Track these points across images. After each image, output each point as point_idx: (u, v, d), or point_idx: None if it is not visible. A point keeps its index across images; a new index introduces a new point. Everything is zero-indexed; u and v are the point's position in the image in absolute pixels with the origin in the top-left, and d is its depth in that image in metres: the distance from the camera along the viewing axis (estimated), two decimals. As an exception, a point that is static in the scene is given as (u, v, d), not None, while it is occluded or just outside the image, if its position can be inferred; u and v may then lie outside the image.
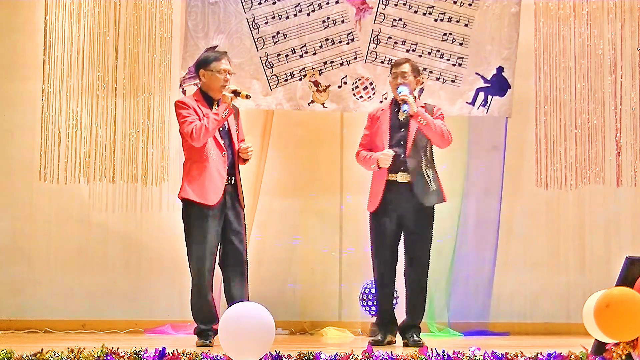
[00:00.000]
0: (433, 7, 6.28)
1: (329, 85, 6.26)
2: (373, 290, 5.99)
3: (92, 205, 6.77)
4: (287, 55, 6.24)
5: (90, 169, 6.72)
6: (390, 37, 6.28)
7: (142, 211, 6.77)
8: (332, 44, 6.26)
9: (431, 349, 3.89)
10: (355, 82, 6.27)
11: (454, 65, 6.31)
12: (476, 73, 6.31)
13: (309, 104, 6.28)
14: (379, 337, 5.35)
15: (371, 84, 6.26)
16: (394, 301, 5.77)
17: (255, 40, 6.22)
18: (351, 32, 6.27)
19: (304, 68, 6.25)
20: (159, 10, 6.75)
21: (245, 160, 5.30)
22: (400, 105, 5.31)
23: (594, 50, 6.88)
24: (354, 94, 6.27)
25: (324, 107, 6.28)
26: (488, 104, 6.32)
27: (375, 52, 6.27)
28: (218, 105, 5.19)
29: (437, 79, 6.31)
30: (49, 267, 6.73)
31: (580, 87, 6.87)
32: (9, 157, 6.79)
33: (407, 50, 6.27)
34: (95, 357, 3.74)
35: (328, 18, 6.25)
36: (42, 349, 3.75)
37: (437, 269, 6.42)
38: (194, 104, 5.20)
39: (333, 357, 3.80)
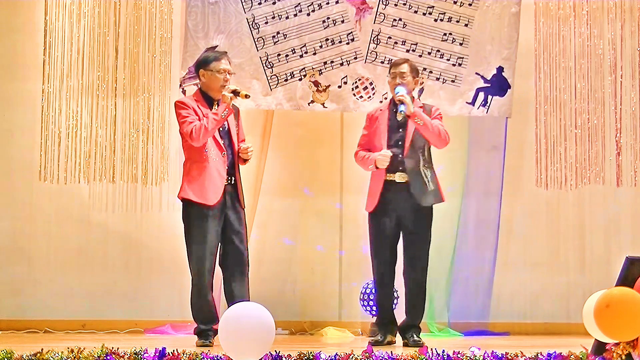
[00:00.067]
0: (433, 7, 6.28)
1: (329, 85, 6.26)
2: (373, 290, 5.98)
3: (92, 205, 6.77)
4: (287, 55, 6.24)
5: (90, 169, 6.72)
6: (390, 37, 6.28)
7: (142, 211, 6.77)
8: (332, 44, 6.26)
9: (431, 349, 3.89)
10: (355, 82, 6.27)
11: (454, 65, 6.31)
12: (476, 73, 6.31)
13: (309, 104, 6.28)
14: (379, 337, 5.36)
15: (371, 84, 6.27)
16: (394, 301, 5.78)
17: (255, 40, 6.22)
18: (351, 32, 6.27)
19: (304, 68, 6.25)
20: (159, 10, 6.75)
21: (245, 161, 5.30)
22: (397, 106, 5.31)
23: (594, 50, 6.88)
24: (354, 94, 6.27)
25: (324, 107, 6.28)
26: (488, 104, 6.32)
27: (375, 52, 6.27)
28: (218, 105, 5.19)
29: (437, 79, 6.31)
30: (49, 267, 6.73)
31: (580, 87, 6.87)
32: (9, 157, 6.79)
33: (407, 50, 6.27)
34: (95, 357, 3.74)
35: (328, 18, 6.25)
36: (42, 349, 3.75)
37: (437, 269, 6.42)
38: (193, 104, 5.20)
39: (333, 357, 3.80)
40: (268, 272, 6.65)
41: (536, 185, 6.87)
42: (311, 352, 3.81)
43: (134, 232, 6.79)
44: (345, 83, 6.27)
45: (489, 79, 6.32)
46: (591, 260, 6.89)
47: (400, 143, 5.39)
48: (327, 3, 6.25)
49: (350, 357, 3.81)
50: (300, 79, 6.25)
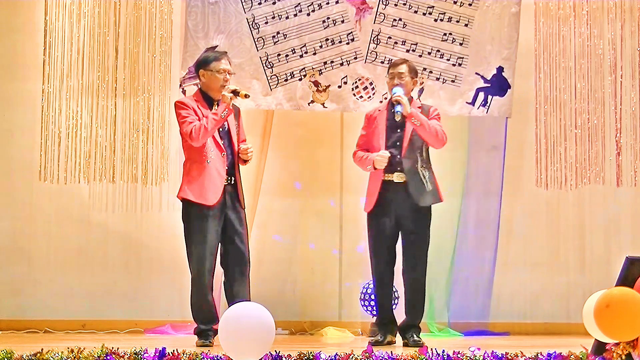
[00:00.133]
0: (433, 7, 6.28)
1: (329, 85, 6.26)
2: (373, 290, 5.99)
3: (92, 205, 6.77)
4: (287, 55, 6.24)
5: (90, 169, 6.72)
6: (390, 37, 6.28)
7: (142, 211, 6.77)
8: (332, 44, 6.26)
9: (431, 349, 3.89)
10: (355, 82, 6.27)
11: (454, 65, 6.31)
12: (476, 73, 6.32)
13: (309, 104, 6.28)
14: (379, 337, 5.36)
15: (371, 84, 6.27)
16: (394, 301, 5.79)
17: (255, 40, 6.22)
18: (351, 32, 6.27)
19: (304, 68, 6.25)
20: (159, 10, 6.75)
21: (245, 161, 5.30)
22: (394, 106, 5.31)
23: (594, 50, 6.88)
24: (354, 94, 6.27)
25: (324, 107, 6.28)
26: (488, 104, 6.33)
27: (375, 52, 6.27)
28: (218, 106, 5.19)
29: (437, 79, 6.31)
30: (49, 267, 6.73)
31: (580, 87, 6.87)
32: (9, 157, 6.79)
33: (407, 50, 6.27)
34: (95, 357, 3.74)
35: (328, 18, 6.25)
36: (42, 349, 3.75)
37: (437, 269, 6.43)
38: (193, 104, 5.20)
39: (333, 357, 3.80)
40: (268, 272, 6.65)
41: (536, 185, 6.87)
42: (311, 352, 3.81)
43: (134, 232, 6.79)
44: (345, 83, 6.27)
45: (489, 79, 6.32)
46: (591, 260, 6.89)
47: (398, 143, 5.39)
48: (327, 3, 6.25)
49: (350, 357, 3.81)
50: (300, 79, 6.25)
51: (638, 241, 6.83)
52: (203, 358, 3.74)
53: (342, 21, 6.26)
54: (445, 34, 6.29)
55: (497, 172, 6.62)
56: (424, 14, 6.29)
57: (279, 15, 6.23)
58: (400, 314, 5.49)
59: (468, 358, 3.83)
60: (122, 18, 6.74)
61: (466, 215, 6.68)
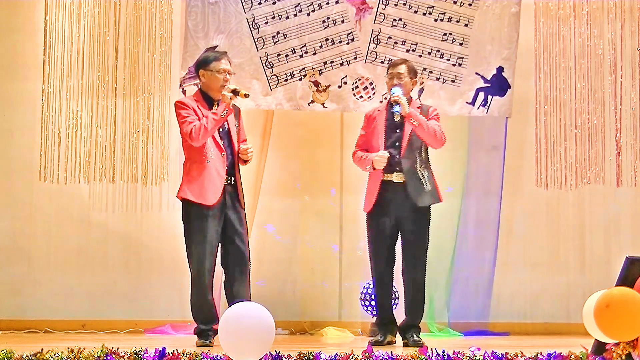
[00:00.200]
0: (433, 7, 6.28)
1: (329, 85, 6.26)
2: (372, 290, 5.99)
3: (92, 205, 6.77)
4: (287, 55, 6.24)
5: (90, 169, 6.72)
6: (390, 37, 6.29)
7: (142, 211, 6.77)
8: (332, 44, 6.26)
9: (431, 349, 3.89)
10: (355, 82, 6.28)
11: (454, 65, 6.31)
12: (476, 73, 6.32)
13: (309, 104, 6.28)
14: (379, 337, 5.36)
15: (371, 84, 6.27)
16: (394, 301, 5.79)
17: (255, 40, 6.22)
18: (351, 32, 6.27)
19: (304, 68, 6.25)
20: (159, 10, 6.75)
21: (245, 161, 5.29)
22: (393, 106, 5.32)
23: (594, 50, 6.88)
24: (354, 94, 6.27)
25: (324, 107, 6.28)
26: (488, 104, 6.33)
27: (375, 52, 6.27)
28: (218, 106, 5.19)
29: (437, 79, 6.31)
30: (49, 267, 6.73)
31: (580, 87, 6.87)
32: (9, 157, 6.79)
33: (407, 50, 6.27)
34: (95, 357, 3.74)
35: (328, 18, 6.26)
36: (42, 349, 3.75)
37: (437, 269, 6.43)
38: (193, 104, 5.20)
39: (333, 357, 3.80)
40: (268, 272, 6.65)
41: (536, 185, 6.87)
42: (311, 352, 3.81)
43: (134, 232, 6.79)
44: (345, 83, 6.27)
45: (489, 79, 6.32)
46: (591, 260, 6.89)
47: (397, 144, 5.39)
48: (327, 3, 6.25)
49: (350, 357, 3.81)
50: (300, 79, 6.26)
51: (638, 241, 6.83)
52: (203, 358, 3.74)
53: (342, 21, 6.26)
54: (445, 34, 6.29)
55: (497, 172, 6.62)
56: (424, 14, 6.29)
57: (279, 15, 6.23)
58: (400, 314, 5.49)
59: (468, 358, 3.83)
60: (122, 18, 6.74)
61: (466, 215, 6.69)
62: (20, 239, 6.75)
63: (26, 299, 6.67)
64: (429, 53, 6.30)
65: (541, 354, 3.89)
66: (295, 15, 6.24)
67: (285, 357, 3.77)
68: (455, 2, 6.29)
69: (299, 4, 6.24)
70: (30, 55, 6.80)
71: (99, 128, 6.73)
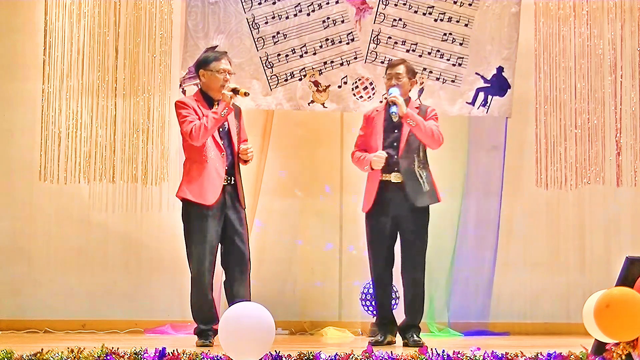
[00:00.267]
0: (433, 7, 6.29)
1: (329, 85, 6.26)
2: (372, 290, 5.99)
3: (92, 205, 6.77)
4: (287, 55, 6.24)
5: (90, 169, 6.72)
6: (390, 37, 6.29)
7: (142, 211, 6.77)
8: (332, 44, 6.26)
9: (431, 349, 3.89)
10: (355, 82, 6.28)
11: (454, 65, 6.31)
12: (476, 73, 6.32)
13: (309, 104, 6.28)
14: (379, 337, 5.36)
15: (371, 84, 6.27)
16: (394, 301, 5.79)
17: (255, 40, 6.22)
18: (351, 32, 6.27)
19: (304, 68, 6.25)
20: (159, 10, 6.75)
21: (246, 161, 5.29)
22: (390, 107, 5.32)
23: (594, 50, 6.88)
24: (354, 94, 6.27)
25: (324, 107, 6.28)
26: (488, 104, 6.33)
27: (375, 52, 6.27)
28: (218, 105, 5.18)
29: (437, 79, 6.31)
30: (49, 267, 6.73)
31: (580, 87, 6.87)
32: (9, 157, 6.79)
33: (407, 50, 6.27)
34: (95, 357, 3.74)
35: (328, 18, 6.26)
36: (42, 349, 3.75)
37: (437, 269, 6.44)
38: (193, 104, 5.20)
39: (333, 357, 3.80)
40: (268, 272, 6.65)
41: (536, 185, 6.87)
42: (311, 352, 3.81)
43: (134, 232, 6.79)
44: (345, 83, 6.27)
45: (489, 79, 6.32)
46: (591, 260, 6.89)
47: (395, 144, 5.40)
48: (327, 3, 6.25)
49: (350, 357, 3.81)
50: (300, 79, 6.26)
51: (638, 241, 6.83)
52: (203, 358, 3.74)
53: (342, 21, 6.26)
54: (445, 34, 6.29)
55: (497, 172, 6.62)
56: (424, 14, 6.29)
57: (279, 15, 6.23)
58: (400, 314, 5.49)
59: (468, 358, 3.83)
60: (122, 18, 6.74)
61: (466, 215, 6.69)
62: (20, 239, 6.75)
63: (26, 299, 6.67)
64: (429, 53, 6.30)
65: (541, 354, 3.89)
66: (295, 15, 6.24)
67: (285, 357, 3.77)
68: (455, 2, 6.29)
69: (299, 4, 6.24)
70: (30, 55, 6.80)
71: (99, 128, 6.73)
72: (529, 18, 6.78)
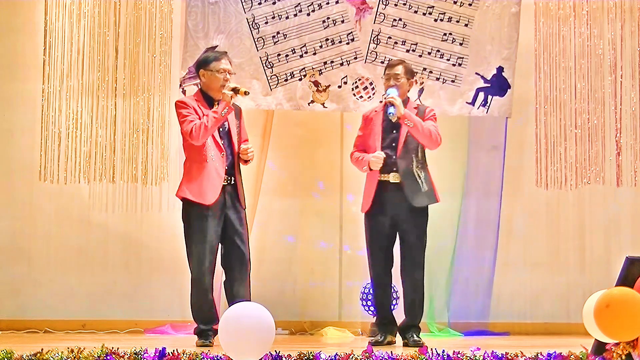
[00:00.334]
0: (433, 7, 6.28)
1: (329, 85, 6.26)
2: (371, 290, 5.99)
3: (92, 205, 6.77)
4: (287, 55, 6.24)
5: (90, 169, 6.72)
6: (390, 37, 6.29)
7: (142, 211, 6.77)
8: (332, 44, 6.26)
9: (431, 349, 3.89)
10: (355, 82, 6.28)
11: (454, 65, 6.31)
12: (476, 73, 6.32)
13: (309, 104, 6.28)
14: (379, 337, 5.36)
15: (371, 84, 6.27)
16: (394, 302, 5.79)
17: (255, 40, 6.22)
18: (351, 32, 6.27)
19: (304, 68, 6.25)
20: (159, 10, 6.75)
21: (246, 161, 5.29)
22: (387, 107, 5.32)
23: (594, 50, 6.88)
24: (354, 94, 6.27)
25: (324, 107, 6.28)
26: (488, 104, 6.33)
27: (375, 52, 6.27)
28: (218, 105, 5.18)
29: (437, 79, 6.31)
30: (49, 267, 6.73)
31: (580, 87, 6.87)
32: (9, 157, 6.79)
33: (407, 50, 6.27)
34: (95, 357, 3.74)
35: (328, 18, 6.26)
36: (42, 349, 3.76)
37: (437, 269, 6.44)
38: (194, 104, 5.20)
39: (333, 357, 3.80)
40: (268, 272, 6.65)
41: (536, 185, 6.87)
42: (311, 352, 3.81)
43: (134, 232, 6.79)
44: (345, 83, 6.27)
45: (489, 79, 6.32)
46: (591, 260, 6.89)
47: (393, 144, 5.40)
48: (327, 3, 6.25)
49: (350, 357, 3.81)
50: (300, 79, 6.26)
51: (638, 241, 6.83)
52: (203, 358, 3.74)
53: (342, 21, 6.26)
54: (445, 34, 6.29)
55: (497, 172, 6.62)
56: (424, 14, 6.29)
57: (279, 15, 6.23)
58: (400, 314, 5.49)
59: (468, 358, 3.83)
60: (122, 18, 6.74)
61: (466, 215, 6.68)
62: (20, 239, 6.75)
63: (26, 299, 6.67)
64: (429, 53, 6.30)
65: (541, 354, 3.89)
66: (295, 15, 6.24)
67: (285, 357, 3.77)
68: (455, 2, 6.29)
69: (299, 4, 6.24)
70: (30, 55, 6.80)
71: (99, 128, 6.73)
72: (529, 18, 6.77)
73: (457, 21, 6.30)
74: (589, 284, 6.57)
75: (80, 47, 6.74)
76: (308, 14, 6.25)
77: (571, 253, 6.93)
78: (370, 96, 6.26)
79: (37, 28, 6.77)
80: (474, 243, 6.66)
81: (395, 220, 5.38)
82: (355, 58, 6.27)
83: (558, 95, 6.87)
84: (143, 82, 6.74)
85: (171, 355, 3.76)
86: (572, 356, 3.85)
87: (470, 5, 6.31)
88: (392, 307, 5.61)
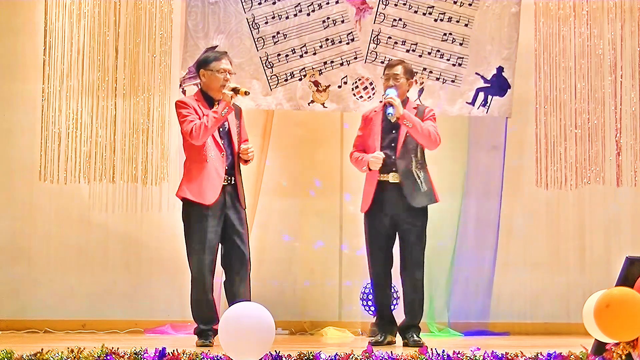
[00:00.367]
0: (433, 7, 6.28)
1: (329, 85, 6.26)
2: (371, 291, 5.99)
3: (92, 205, 6.77)
4: (287, 55, 6.24)
5: (90, 169, 6.72)
6: (390, 37, 6.29)
7: (142, 211, 6.77)
8: (332, 44, 6.26)
9: (431, 349, 3.90)
10: (355, 82, 6.28)
11: (454, 65, 6.31)
12: (476, 73, 6.32)
13: (309, 104, 6.28)
14: (379, 337, 5.36)
15: (371, 84, 6.27)
16: (394, 302, 5.79)
17: (255, 40, 6.22)
18: (351, 32, 6.27)
19: (304, 68, 6.25)
20: (159, 10, 6.75)
21: (246, 161, 5.29)
22: (386, 108, 5.33)
23: (594, 50, 6.88)
24: (354, 94, 6.27)
25: (324, 107, 6.28)
26: (488, 104, 6.33)
27: (375, 52, 6.27)
28: (219, 105, 5.18)
29: (437, 79, 6.31)
30: (49, 267, 6.73)
31: (580, 87, 6.87)
32: (9, 157, 6.79)
33: (407, 50, 6.27)
34: (95, 357, 3.74)
35: (328, 18, 6.26)
36: (42, 349, 3.76)
37: (437, 269, 6.44)
38: (194, 104, 5.20)
39: (333, 357, 3.80)
40: (268, 272, 6.65)
41: (536, 185, 6.87)
42: (311, 352, 3.81)
43: (134, 232, 6.79)
44: (345, 83, 6.27)
45: (489, 79, 6.32)
46: (591, 260, 6.89)
47: (393, 144, 5.40)
48: (327, 3, 6.25)
49: (350, 357, 3.81)
50: (300, 79, 6.26)
51: (638, 241, 6.83)
52: (203, 358, 3.74)
53: (342, 21, 6.26)
54: (445, 34, 6.29)
55: (497, 172, 6.62)
56: (424, 14, 6.29)
57: (279, 15, 6.23)
58: (400, 314, 5.49)
59: (468, 358, 3.83)
60: (122, 18, 6.74)
61: (466, 215, 6.68)
62: (20, 239, 6.75)
63: (26, 299, 6.68)
64: (429, 53, 6.30)
65: (541, 354, 3.89)
66: (295, 15, 6.24)
67: (285, 357, 3.77)
68: (455, 2, 6.29)
69: (299, 4, 6.24)
70: (30, 56, 6.80)
71: (99, 128, 6.73)
72: (529, 18, 6.77)
73: (457, 21, 6.30)
74: (589, 284, 6.57)
75: (80, 47, 6.74)
76: (308, 14, 6.25)
77: (571, 253, 6.93)
78: (370, 96, 6.26)
79: (37, 28, 6.77)
80: (474, 243, 6.66)
81: (395, 220, 5.38)
82: (355, 58, 6.27)
83: (558, 95, 6.87)
84: (143, 82, 6.74)
85: (171, 355, 3.77)
86: (572, 356, 3.85)
87: (470, 5, 6.31)
88: (392, 307, 5.61)
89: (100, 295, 6.69)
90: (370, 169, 5.39)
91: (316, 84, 6.25)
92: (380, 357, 3.82)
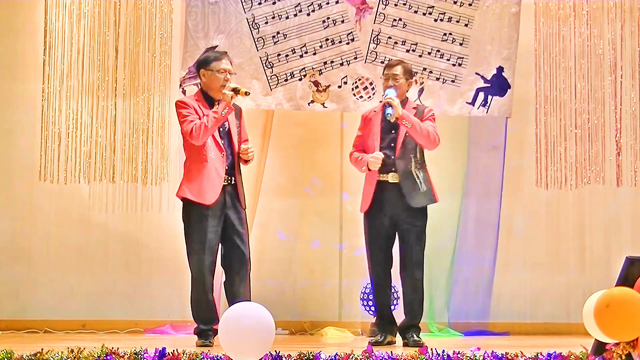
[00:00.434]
0: (433, 7, 6.28)
1: (329, 85, 6.26)
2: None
3: (92, 205, 6.77)
4: (287, 55, 6.24)
5: (90, 169, 6.72)
6: (390, 37, 6.29)
7: (142, 211, 6.77)
8: (332, 44, 6.26)
9: (431, 349, 3.90)
10: (355, 82, 6.28)
11: (454, 65, 6.31)
12: (476, 73, 6.31)
13: (309, 104, 6.28)
14: (379, 337, 5.36)
15: (371, 84, 6.27)
16: (394, 302, 5.79)
17: (255, 40, 6.22)
18: (351, 32, 6.27)
19: (304, 68, 6.25)
20: (159, 10, 6.75)
21: (247, 161, 5.29)
22: (386, 108, 5.33)
23: (594, 50, 6.88)
24: (354, 94, 6.27)
25: (324, 107, 6.29)
26: (488, 104, 6.33)
27: (375, 52, 6.27)
28: (219, 105, 5.18)
29: (437, 79, 6.31)
30: (49, 267, 6.73)
31: (580, 87, 6.87)
32: (9, 157, 6.79)
33: (407, 50, 6.27)
34: (95, 357, 3.74)
35: (328, 18, 6.26)
36: (42, 349, 3.76)
37: (437, 269, 6.44)
38: (194, 104, 5.20)
39: (333, 357, 3.80)
40: (268, 272, 6.65)
41: (536, 185, 6.87)
42: (311, 352, 3.81)
43: (134, 232, 6.79)
44: (345, 83, 6.27)
45: (489, 79, 6.32)
46: (591, 260, 6.89)
47: (392, 144, 5.41)
48: (327, 3, 6.25)
49: (350, 357, 3.81)
50: (300, 79, 6.26)
51: (638, 241, 6.83)
52: (203, 358, 3.74)
53: (342, 21, 6.26)
54: (445, 34, 6.29)
55: (497, 172, 6.62)
56: (424, 14, 6.29)
57: (279, 15, 6.23)
58: (400, 314, 5.49)
59: (468, 358, 3.83)
60: (122, 18, 6.74)
61: (466, 215, 6.68)
62: (20, 239, 6.75)
63: (26, 299, 6.68)
64: (429, 53, 6.30)
65: (541, 354, 3.89)
66: (295, 15, 6.24)
67: (285, 357, 3.77)
68: (455, 2, 6.29)
69: (299, 4, 6.24)
70: (30, 56, 6.80)
71: (99, 128, 6.73)
72: (529, 18, 6.77)
73: (457, 21, 6.30)
74: (589, 284, 6.57)
75: (80, 47, 6.74)
76: (308, 14, 6.25)
77: (571, 253, 6.93)
78: (370, 96, 6.26)
79: (37, 28, 6.77)
80: (474, 243, 6.66)
81: (395, 220, 5.39)
82: (355, 58, 6.27)
83: (558, 95, 6.87)
84: (143, 82, 6.74)
85: (171, 355, 3.77)
86: (572, 356, 3.85)
87: (470, 5, 6.31)
88: (392, 307, 5.61)
89: (100, 295, 6.69)
90: (369, 169, 5.39)
91: (316, 84, 6.25)
92: (380, 357, 3.82)
